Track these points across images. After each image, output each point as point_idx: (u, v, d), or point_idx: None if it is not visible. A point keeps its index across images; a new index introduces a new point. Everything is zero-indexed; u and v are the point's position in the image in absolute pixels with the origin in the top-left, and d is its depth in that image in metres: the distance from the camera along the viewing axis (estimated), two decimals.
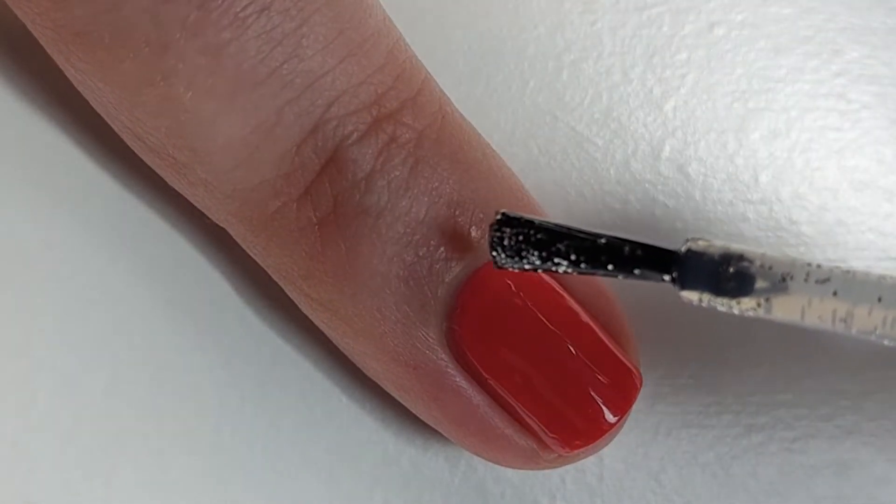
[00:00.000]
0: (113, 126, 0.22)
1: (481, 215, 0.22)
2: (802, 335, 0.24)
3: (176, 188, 0.22)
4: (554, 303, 0.22)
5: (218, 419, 0.24)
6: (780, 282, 0.18)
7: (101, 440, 0.24)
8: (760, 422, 0.24)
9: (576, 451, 0.22)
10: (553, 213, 0.24)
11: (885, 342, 0.17)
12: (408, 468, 0.25)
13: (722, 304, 0.18)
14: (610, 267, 0.19)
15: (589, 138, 0.25)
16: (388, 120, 0.21)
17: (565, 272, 0.19)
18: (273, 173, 0.21)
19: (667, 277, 0.18)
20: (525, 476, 0.25)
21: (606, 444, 0.22)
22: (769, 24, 0.25)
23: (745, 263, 0.18)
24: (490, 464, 0.24)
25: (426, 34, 0.25)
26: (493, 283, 0.21)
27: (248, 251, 0.23)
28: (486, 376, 0.21)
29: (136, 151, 0.22)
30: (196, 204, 0.23)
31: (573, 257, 0.19)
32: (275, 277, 0.23)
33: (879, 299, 0.17)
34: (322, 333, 0.23)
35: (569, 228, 0.19)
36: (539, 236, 0.19)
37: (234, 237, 0.23)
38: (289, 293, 0.23)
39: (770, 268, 0.18)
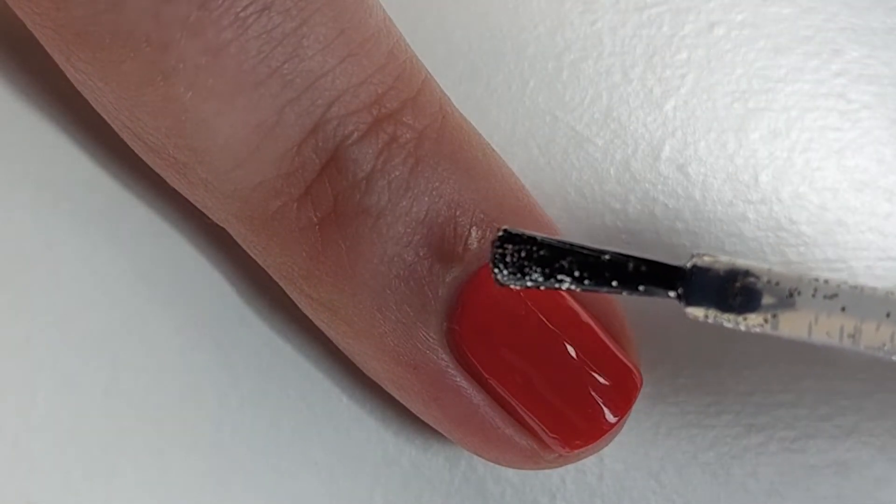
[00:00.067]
0: (113, 126, 0.22)
1: (482, 215, 0.22)
2: None
3: (176, 188, 0.22)
4: (554, 303, 0.22)
5: (218, 419, 0.24)
6: (788, 297, 0.18)
7: (101, 440, 0.24)
8: (760, 422, 0.24)
9: (576, 451, 0.22)
10: (553, 213, 0.24)
11: (894, 358, 0.17)
12: (408, 468, 0.25)
13: (728, 321, 0.18)
14: (614, 283, 0.18)
15: (589, 138, 0.25)
16: (388, 120, 0.21)
17: (568, 289, 0.19)
18: (273, 173, 0.21)
19: (672, 294, 0.18)
20: (525, 476, 0.25)
21: (607, 444, 0.22)
22: (769, 24, 0.25)
23: (752, 279, 0.18)
24: (490, 464, 0.24)
25: (426, 34, 0.25)
26: (494, 284, 0.21)
27: (248, 251, 0.23)
28: (487, 376, 0.21)
29: (136, 151, 0.22)
30: (196, 204, 0.23)
31: (576, 274, 0.19)
32: (275, 277, 0.23)
33: (888, 315, 0.17)
34: (322, 333, 0.23)
35: (572, 245, 0.19)
36: (542, 253, 0.19)
37: (235, 237, 0.23)
38: (289, 293, 0.23)
39: (777, 283, 0.18)
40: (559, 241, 0.19)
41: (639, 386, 0.22)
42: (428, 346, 0.22)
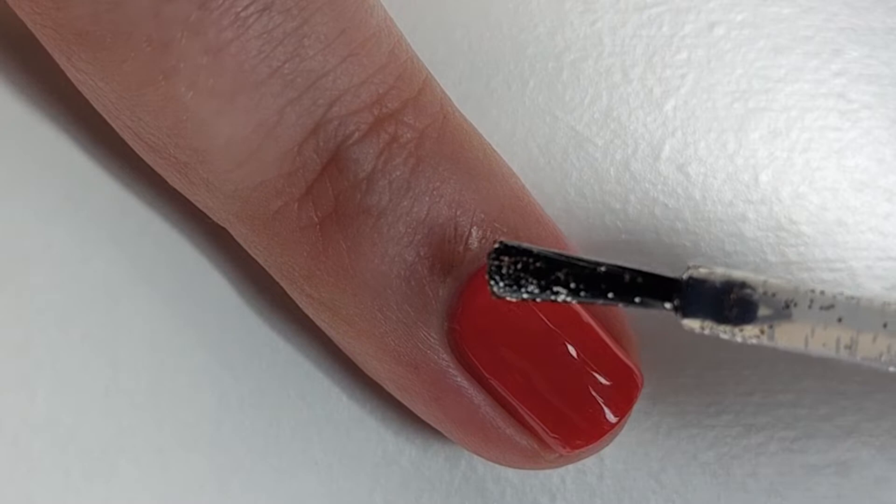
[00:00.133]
0: (114, 126, 0.22)
1: (482, 215, 0.22)
2: None
3: (177, 188, 0.22)
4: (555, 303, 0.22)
5: (218, 419, 0.24)
6: (784, 309, 0.18)
7: (101, 440, 0.24)
8: (760, 422, 0.24)
9: (577, 451, 0.22)
10: (553, 213, 0.24)
11: (891, 369, 0.17)
12: (408, 468, 0.25)
13: (724, 332, 0.18)
14: (610, 295, 0.18)
15: (589, 138, 0.25)
16: (389, 119, 0.21)
17: (564, 301, 0.19)
18: (274, 173, 0.21)
19: (668, 305, 0.18)
20: (525, 476, 0.25)
21: (607, 444, 0.22)
22: (769, 24, 0.25)
23: (748, 291, 0.18)
24: (490, 464, 0.24)
25: (426, 34, 0.25)
26: None
27: (249, 251, 0.23)
28: (488, 376, 0.21)
29: (136, 151, 0.22)
30: (197, 204, 0.22)
31: (572, 286, 0.19)
32: (276, 277, 0.23)
33: (885, 325, 0.17)
34: (322, 333, 0.23)
35: (567, 257, 0.19)
36: (538, 265, 0.19)
37: (236, 237, 0.23)
38: (290, 293, 0.23)
39: (773, 295, 0.18)
40: (555, 253, 0.19)
41: (639, 386, 0.22)
42: (429, 345, 0.22)
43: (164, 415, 0.24)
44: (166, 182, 0.23)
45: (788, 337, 0.18)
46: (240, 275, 0.25)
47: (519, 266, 0.19)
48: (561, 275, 0.19)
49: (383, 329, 0.21)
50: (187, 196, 0.23)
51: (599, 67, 0.25)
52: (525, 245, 0.19)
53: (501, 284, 0.19)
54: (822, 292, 0.17)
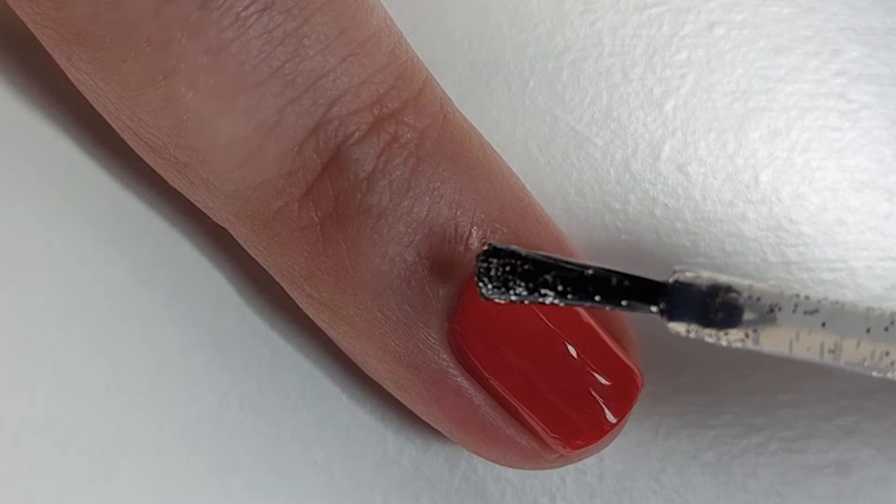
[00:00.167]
0: (114, 126, 0.22)
1: (483, 215, 0.22)
2: None
3: (177, 188, 0.22)
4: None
5: (218, 419, 0.24)
6: (769, 313, 0.18)
7: (101, 440, 0.24)
8: (760, 422, 0.24)
9: (577, 451, 0.22)
10: (553, 213, 0.24)
11: (874, 374, 0.17)
12: (408, 468, 0.25)
13: (710, 336, 0.18)
14: (597, 298, 0.19)
15: (589, 138, 0.25)
16: (389, 120, 0.21)
17: (552, 303, 0.19)
18: (274, 173, 0.21)
19: (654, 309, 0.18)
20: (525, 476, 0.25)
21: (607, 445, 0.22)
22: (769, 24, 0.25)
23: (733, 295, 0.18)
24: (490, 464, 0.24)
25: (426, 34, 0.25)
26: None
27: (249, 251, 0.23)
28: (488, 376, 0.21)
29: (136, 151, 0.22)
30: (197, 204, 0.22)
31: (560, 288, 0.19)
32: (276, 277, 0.23)
33: (868, 331, 0.17)
34: (323, 333, 0.23)
35: (556, 259, 0.19)
36: (526, 267, 0.19)
37: (236, 237, 0.23)
38: (290, 293, 0.23)
39: (758, 299, 0.18)
40: (543, 256, 0.19)
41: (640, 386, 0.22)
42: (429, 346, 0.22)
43: (164, 415, 0.24)
44: (166, 182, 0.23)
45: (773, 341, 0.18)
46: (240, 275, 0.25)
47: (507, 268, 0.19)
48: (549, 277, 0.19)
49: (383, 329, 0.21)
50: (187, 196, 0.23)
51: (599, 67, 0.25)
52: (514, 248, 0.19)
53: (490, 286, 0.19)
54: (807, 297, 0.18)
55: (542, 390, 0.21)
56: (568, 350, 0.22)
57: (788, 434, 0.24)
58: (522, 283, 0.19)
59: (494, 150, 0.23)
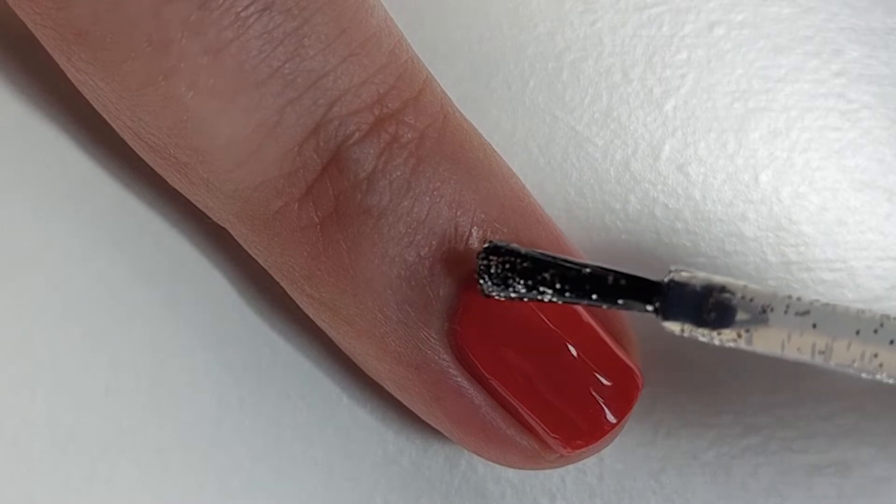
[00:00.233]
0: (114, 126, 0.22)
1: (483, 215, 0.22)
2: None
3: (177, 188, 0.22)
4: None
5: (218, 419, 0.24)
6: (761, 313, 0.18)
7: (101, 440, 0.24)
8: (760, 422, 0.24)
9: (577, 452, 0.22)
10: (553, 213, 0.24)
11: (863, 375, 0.18)
12: (408, 468, 0.25)
13: (703, 335, 0.18)
14: (594, 296, 0.19)
15: (589, 138, 0.25)
16: (389, 120, 0.21)
17: (550, 301, 0.20)
18: (275, 173, 0.21)
19: (649, 308, 0.19)
20: (525, 476, 0.25)
21: (608, 445, 0.22)
22: (769, 24, 0.25)
23: (727, 295, 0.18)
24: (490, 464, 0.24)
25: (426, 34, 0.25)
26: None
27: (249, 251, 0.23)
28: (488, 376, 0.21)
29: (136, 151, 0.22)
30: (197, 204, 0.22)
31: (558, 286, 0.19)
32: (276, 277, 0.23)
33: (857, 332, 0.17)
34: (323, 333, 0.23)
35: (554, 258, 0.20)
36: (525, 265, 0.20)
37: (236, 237, 0.23)
38: (290, 293, 0.23)
39: (751, 299, 0.18)
40: (542, 254, 0.20)
41: (640, 386, 0.22)
42: (429, 346, 0.22)
43: (164, 415, 0.24)
44: (166, 182, 0.23)
45: (765, 342, 0.18)
46: (240, 275, 0.25)
47: (507, 266, 0.20)
48: (547, 275, 0.20)
49: (384, 329, 0.21)
50: (187, 196, 0.23)
51: (599, 67, 0.25)
52: (513, 246, 0.20)
53: (490, 283, 0.20)
54: (799, 298, 0.18)
55: (542, 390, 0.21)
56: (568, 350, 0.22)
57: (788, 434, 0.24)
58: (521, 281, 0.20)
59: (494, 150, 0.23)
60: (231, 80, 0.20)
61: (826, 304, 0.18)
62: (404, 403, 0.23)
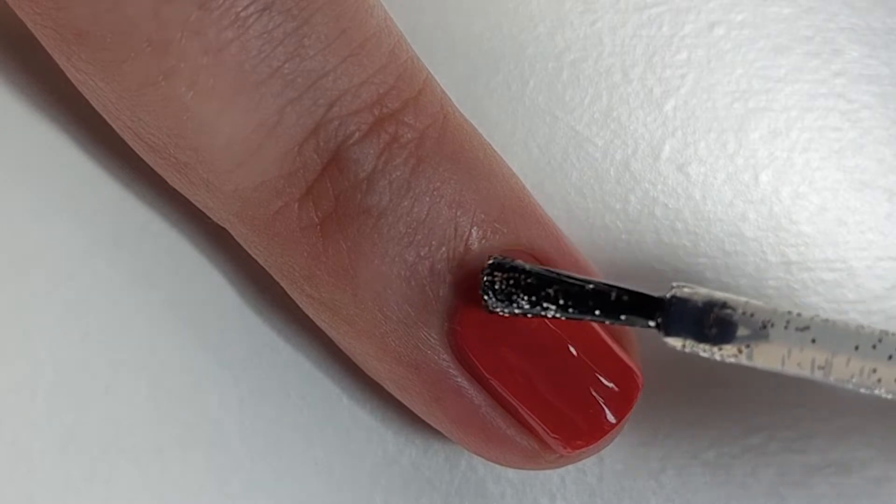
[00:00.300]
0: (114, 126, 0.22)
1: (483, 215, 0.22)
2: None
3: (177, 188, 0.22)
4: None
5: (218, 419, 0.24)
6: (761, 329, 0.18)
7: (101, 440, 0.24)
8: (760, 422, 0.24)
9: (577, 452, 0.22)
10: (553, 213, 0.24)
11: (862, 391, 0.18)
12: (408, 468, 0.25)
13: (704, 351, 0.19)
14: (597, 312, 0.19)
15: (589, 138, 0.25)
16: (389, 120, 0.21)
17: (554, 317, 0.20)
18: (275, 173, 0.21)
19: (652, 323, 0.19)
20: (525, 476, 0.25)
21: (608, 445, 0.22)
22: (769, 24, 0.25)
23: (728, 311, 0.18)
24: (490, 464, 0.24)
25: (426, 34, 0.25)
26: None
27: (249, 251, 0.23)
28: (488, 376, 0.21)
29: (137, 151, 0.22)
30: (197, 204, 0.22)
31: (561, 302, 0.20)
32: (276, 277, 0.23)
33: (856, 348, 0.18)
34: (323, 333, 0.23)
35: (558, 273, 0.20)
36: (529, 281, 0.20)
37: (236, 237, 0.23)
38: (290, 293, 0.23)
39: (752, 315, 0.18)
40: (546, 270, 0.20)
41: (640, 386, 0.22)
42: (429, 345, 0.22)
43: (164, 415, 0.24)
44: (166, 182, 0.23)
45: (765, 357, 0.18)
46: (240, 275, 0.25)
47: (511, 282, 0.20)
48: (551, 291, 0.20)
49: (383, 329, 0.21)
50: (187, 196, 0.23)
51: (599, 67, 0.25)
52: (518, 262, 0.20)
53: (494, 299, 0.20)
54: (799, 314, 0.18)
55: (542, 390, 0.21)
56: (568, 350, 0.22)
57: (788, 434, 0.24)
58: (525, 297, 0.20)
59: (494, 150, 0.23)
60: (231, 80, 0.20)
61: (826, 320, 0.18)
62: (404, 403, 0.23)
